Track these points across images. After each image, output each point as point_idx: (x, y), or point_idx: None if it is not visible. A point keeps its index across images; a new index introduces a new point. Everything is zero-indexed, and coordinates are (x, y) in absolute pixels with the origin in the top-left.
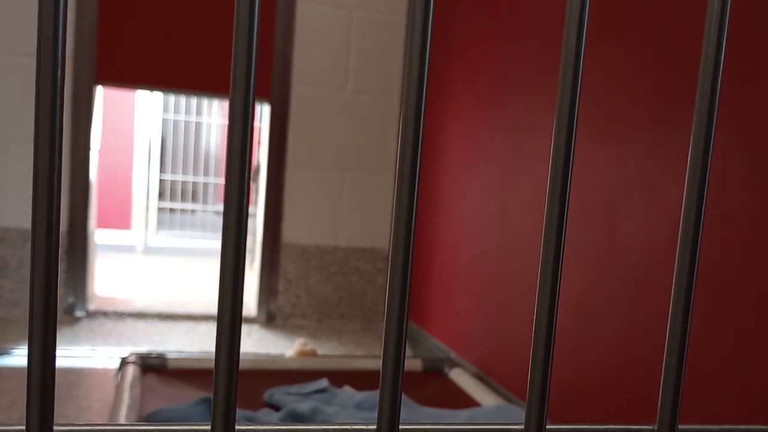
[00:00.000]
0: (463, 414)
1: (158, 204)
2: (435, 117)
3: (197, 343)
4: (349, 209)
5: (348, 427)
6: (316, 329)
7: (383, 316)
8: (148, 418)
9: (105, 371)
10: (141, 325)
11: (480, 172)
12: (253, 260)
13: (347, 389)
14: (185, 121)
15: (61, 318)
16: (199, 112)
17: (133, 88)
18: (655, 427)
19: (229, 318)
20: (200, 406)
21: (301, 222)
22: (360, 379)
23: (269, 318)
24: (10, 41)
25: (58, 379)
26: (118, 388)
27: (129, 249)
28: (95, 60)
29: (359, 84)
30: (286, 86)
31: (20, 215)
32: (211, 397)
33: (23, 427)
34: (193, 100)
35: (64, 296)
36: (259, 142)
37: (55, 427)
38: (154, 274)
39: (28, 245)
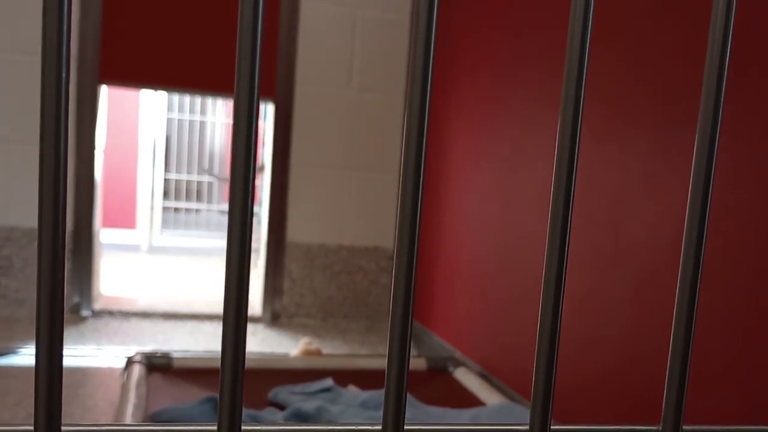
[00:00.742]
0: (468, 413)
1: (163, 203)
2: (439, 116)
3: (202, 342)
4: (353, 208)
5: (353, 427)
6: (321, 328)
7: (387, 315)
8: (154, 417)
9: (110, 370)
10: (146, 324)
11: (484, 171)
12: (257, 259)
13: (352, 388)
14: (189, 120)
15: (66, 317)
16: (203, 111)
17: (138, 87)
18: (660, 428)
19: (234, 318)
20: (205, 405)
21: (305, 221)
22: (364, 379)
23: (274, 317)
24: (12, 40)
25: (65, 379)
26: (124, 388)
27: (134, 248)
28: (99, 59)
29: (363, 82)
30: (290, 85)
31: (25, 214)
32: (216, 396)
33: (31, 428)
34: (198, 100)
35: (69, 295)
36: (263, 142)
37: (63, 428)
38: (159, 274)
39: (33, 244)
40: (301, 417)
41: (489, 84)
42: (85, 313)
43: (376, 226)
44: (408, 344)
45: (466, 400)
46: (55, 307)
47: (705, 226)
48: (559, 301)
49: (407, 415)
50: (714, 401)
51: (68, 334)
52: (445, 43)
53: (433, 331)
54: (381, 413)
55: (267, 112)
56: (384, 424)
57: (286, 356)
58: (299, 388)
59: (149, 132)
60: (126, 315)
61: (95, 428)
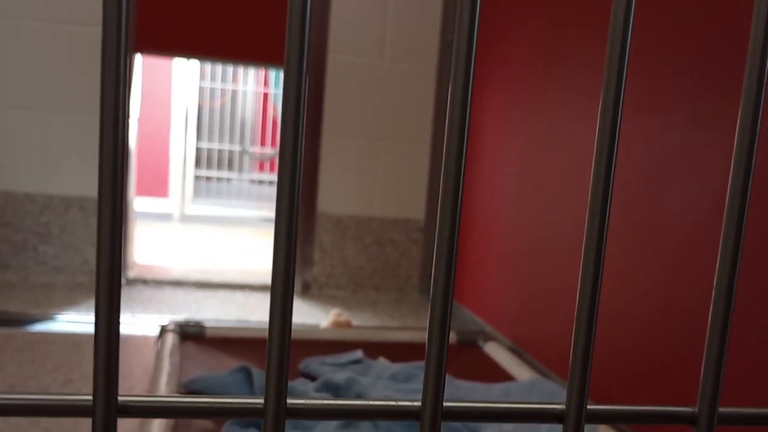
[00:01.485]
0: (498, 387)
1: (195, 172)
2: (474, 87)
3: (233, 311)
4: (385, 180)
5: (393, 403)
6: (351, 300)
7: (417, 287)
8: (188, 385)
9: (144, 338)
10: (179, 293)
11: (519, 143)
12: None
13: (382, 360)
14: (221, 89)
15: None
16: (234, 80)
17: (171, 55)
18: (696, 409)
19: (282, 289)
20: (237, 374)
21: (336, 192)
22: (394, 351)
23: (305, 288)
24: (67, 11)
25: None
26: (158, 356)
27: (166, 217)
28: (135, 28)
29: (396, 52)
30: (322, 54)
31: (63, 183)
32: (248, 365)
33: (90, 398)
34: (230, 68)
35: None
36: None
37: (119, 398)
38: (191, 243)
39: (71, 212)
40: (331, 388)
41: (527, 53)
42: None
43: (407, 197)
44: (448, 322)
45: (496, 374)
46: (114, 278)
47: (747, 199)
48: (598, 277)
49: None
50: (752, 383)
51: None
52: (483, 10)
53: (464, 305)
54: (411, 386)
55: None
56: (423, 401)
57: (316, 327)
58: (330, 359)
59: (181, 101)
60: (159, 283)
61: (151, 399)
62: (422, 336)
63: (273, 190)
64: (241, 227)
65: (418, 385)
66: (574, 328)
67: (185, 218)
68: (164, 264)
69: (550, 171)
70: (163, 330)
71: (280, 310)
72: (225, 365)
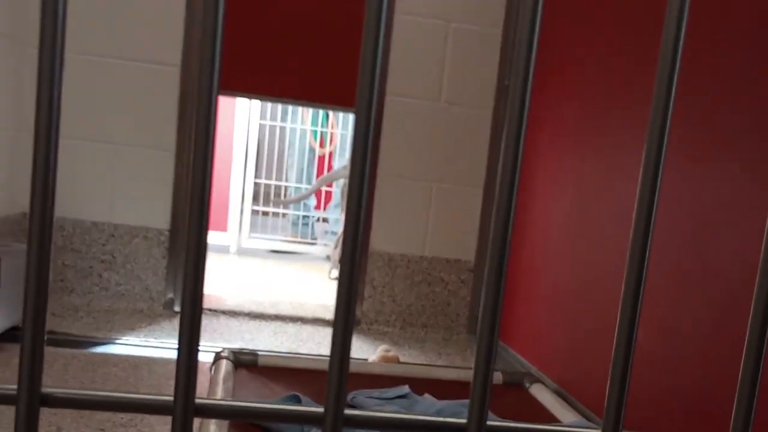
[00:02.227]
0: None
1: (252, 206)
2: (528, 129)
3: (285, 342)
4: (436, 220)
5: (441, 419)
6: (399, 336)
7: (465, 327)
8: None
9: (199, 364)
10: (233, 322)
11: (569, 189)
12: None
13: (428, 397)
14: (279, 126)
15: (160, 312)
16: (293, 120)
17: (237, 95)
18: None
19: (343, 320)
20: (288, 402)
21: (389, 230)
22: (440, 388)
23: (354, 323)
24: (144, 50)
25: (158, 369)
26: (212, 381)
27: (224, 249)
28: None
29: (452, 96)
30: (380, 95)
31: (128, 214)
32: (299, 394)
33: (171, 398)
34: (288, 108)
35: (164, 292)
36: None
37: (197, 400)
38: (246, 275)
39: (134, 241)
40: None
41: (581, 96)
42: (177, 308)
43: (459, 238)
44: (493, 355)
45: (540, 415)
46: (196, 304)
47: None
48: (635, 317)
49: None
50: None
51: (162, 328)
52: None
53: (511, 346)
54: None
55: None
56: (468, 420)
57: (364, 361)
58: (377, 392)
59: (242, 138)
60: (215, 313)
61: (225, 404)
62: (469, 375)
63: (321, 225)
64: (294, 261)
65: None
66: (611, 366)
67: (242, 251)
68: (220, 294)
69: (599, 214)
70: (218, 357)
71: (342, 322)
72: (276, 393)
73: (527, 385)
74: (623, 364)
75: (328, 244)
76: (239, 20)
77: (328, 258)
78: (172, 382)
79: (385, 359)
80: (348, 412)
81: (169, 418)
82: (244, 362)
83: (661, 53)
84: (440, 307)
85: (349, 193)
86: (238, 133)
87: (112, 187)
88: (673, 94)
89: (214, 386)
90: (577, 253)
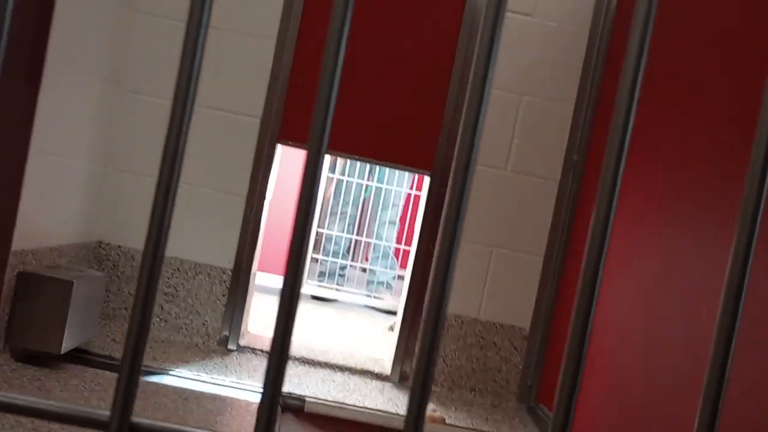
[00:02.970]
0: None
1: (312, 255)
2: (588, 212)
3: (332, 390)
4: (494, 284)
5: None
6: (447, 398)
7: (515, 395)
8: None
9: (247, 403)
10: None
11: (635, 268)
12: (396, 321)
13: None
14: (347, 181)
15: (214, 348)
16: (370, 177)
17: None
18: None
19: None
20: None
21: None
22: None
23: (402, 378)
24: (216, 99)
25: (207, 404)
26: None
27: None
28: (281, 120)
29: (519, 165)
30: (448, 160)
31: (193, 250)
32: None
33: None
34: (364, 165)
35: (220, 329)
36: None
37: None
38: (301, 320)
39: (198, 277)
40: None
41: (653, 178)
42: (231, 346)
43: (515, 305)
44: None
45: None
46: (284, 349)
47: None
48: (717, 410)
49: None
50: None
51: (213, 364)
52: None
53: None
54: None
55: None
56: None
57: None
58: None
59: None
60: (267, 354)
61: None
62: None
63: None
64: (350, 311)
65: None
66: None
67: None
68: (271, 336)
69: (663, 303)
70: None
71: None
72: None
73: None
74: None
75: (376, 296)
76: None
77: (390, 312)
78: (220, 418)
79: (432, 419)
80: None
81: None
82: (292, 406)
83: (761, 120)
84: (491, 372)
85: (437, 260)
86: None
87: (183, 223)
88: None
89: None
90: (635, 336)
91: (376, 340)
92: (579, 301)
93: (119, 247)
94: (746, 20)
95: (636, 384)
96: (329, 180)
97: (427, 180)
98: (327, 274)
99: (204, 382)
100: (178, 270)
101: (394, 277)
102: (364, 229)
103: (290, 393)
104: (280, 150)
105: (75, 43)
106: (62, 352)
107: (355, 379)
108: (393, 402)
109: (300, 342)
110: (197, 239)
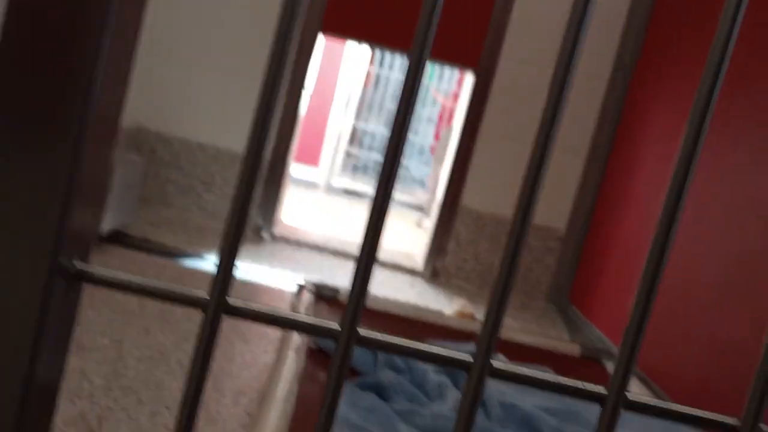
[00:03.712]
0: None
1: (347, 148)
2: (637, 104)
3: None
4: None
5: (448, 352)
6: (476, 294)
7: (545, 296)
8: (318, 342)
9: (280, 292)
10: (315, 256)
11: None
12: (425, 218)
13: (500, 357)
14: (387, 76)
15: (249, 236)
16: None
17: (348, 38)
18: (739, 422)
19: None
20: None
21: (481, 189)
22: (513, 351)
23: (434, 274)
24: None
25: (242, 290)
26: (295, 310)
27: (313, 185)
28: (324, 11)
29: None
30: (494, 58)
31: (233, 138)
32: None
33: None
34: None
35: (254, 218)
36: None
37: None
38: (331, 212)
39: (235, 166)
40: (451, 373)
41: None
42: (264, 235)
43: (552, 206)
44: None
45: None
46: (240, 228)
47: None
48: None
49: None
50: None
51: (247, 251)
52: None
53: (593, 322)
54: (524, 390)
55: (467, 80)
56: (474, 357)
57: (440, 314)
58: (452, 346)
59: (349, 81)
60: (299, 245)
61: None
62: (543, 341)
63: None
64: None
65: (530, 391)
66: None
67: (330, 189)
68: (305, 228)
69: (706, 205)
70: (301, 288)
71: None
72: None
73: (605, 361)
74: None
75: (409, 192)
76: None
77: (418, 208)
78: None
79: (462, 315)
80: (362, 332)
81: None
82: (326, 296)
83: None
84: (523, 272)
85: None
86: (343, 77)
87: (221, 112)
88: None
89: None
90: (678, 239)
91: (405, 235)
92: (661, 224)
93: (158, 132)
94: None
95: (664, 283)
96: (368, 73)
97: (470, 78)
98: (362, 169)
99: (240, 269)
100: (216, 158)
101: (428, 174)
102: None
103: (324, 283)
104: (322, 41)
105: None
106: (103, 233)
107: (387, 273)
108: (423, 296)
109: (332, 234)
110: (235, 127)
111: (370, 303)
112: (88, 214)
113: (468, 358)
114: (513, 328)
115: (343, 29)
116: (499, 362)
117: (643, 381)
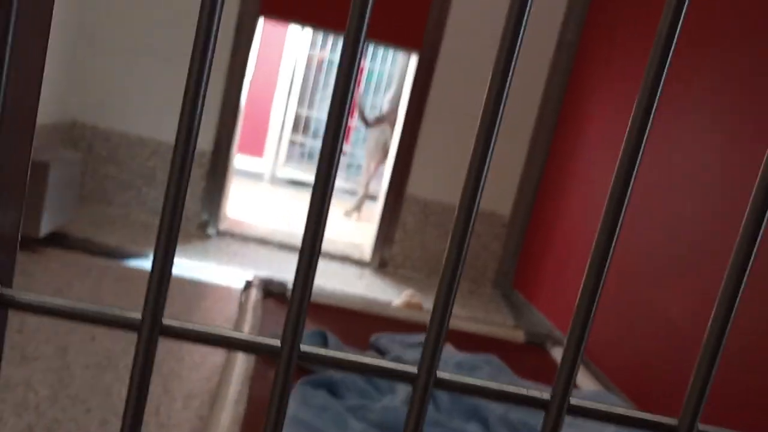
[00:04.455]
0: None
1: (290, 137)
2: (579, 94)
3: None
4: None
5: (392, 366)
6: (425, 284)
7: (491, 281)
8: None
9: (228, 289)
10: (262, 250)
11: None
12: (371, 207)
13: (449, 347)
14: (330, 60)
15: (194, 233)
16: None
17: (290, 22)
18: (677, 422)
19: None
20: (314, 337)
21: (427, 177)
22: (461, 339)
23: (381, 264)
24: None
25: (189, 289)
26: (242, 308)
27: (257, 176)
28: None
29: None
30: (438, 38)
31: (173, 131)
32: (324, 331)
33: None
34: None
35: (199, 213)
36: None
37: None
38: (278, 204)
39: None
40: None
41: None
42: (210, 231)
43: (497, 192)
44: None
45: None
46: (174, 221)
47: None
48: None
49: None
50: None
51: (193, 247)
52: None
53: (537, 307)
54: (474, 374)
55: (410, 63)
56: (419, 369)
57: (388, 305)
58: (399, 337)
59: (289, 67)
60: (246, 239)
61: (192, 327)
62: (490, 329)
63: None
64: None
65: (482, 375)
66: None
67: (275, 180)
68: (251, 221)
69: (644, 184)
70: (248, 284)
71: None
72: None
73: (549, 347)
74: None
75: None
76: None
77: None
78: (201, 304)
79: (410, 305)
80: (304, 348)
81: None
82: (274, 292)
83: None
84: (470, 258)
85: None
86: (285, 62)
87: (160, 103)
88: None
89: (243, 313)
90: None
91: (335, 222)
92: (610, 200)
93: (95, 127)
94: None
95: (612, 271)
96: (310, 57)
97: (414, 59)
98: (309, 156)
99: (183, 266)
100: (157, 152)
101: None
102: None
103: (271, 278)
104: (262, 24)
105: None
106: (41, 235)
107: (335, 266)
108: (371, 288)
109: (279, 227)
110: (175, 119)
111: (317, 298)
112: (6, 223)
113: (413, 370)
114: (460, 317)
115: (284, 12)
116: (445, 373)
117: (585, 364)
